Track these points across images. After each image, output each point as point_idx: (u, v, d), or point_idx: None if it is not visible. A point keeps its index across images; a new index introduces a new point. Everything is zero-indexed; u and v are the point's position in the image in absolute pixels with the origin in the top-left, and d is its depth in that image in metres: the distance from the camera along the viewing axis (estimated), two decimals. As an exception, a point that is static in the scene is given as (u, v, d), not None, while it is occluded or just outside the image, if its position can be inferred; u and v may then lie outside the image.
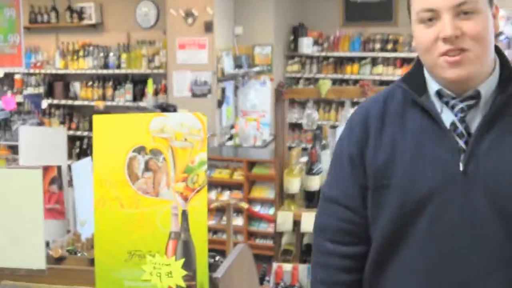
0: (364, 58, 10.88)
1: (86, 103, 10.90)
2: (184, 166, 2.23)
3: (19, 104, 8.69)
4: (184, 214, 2.18)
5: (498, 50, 1.95)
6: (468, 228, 1.83)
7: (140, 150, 2.27)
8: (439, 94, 1.92)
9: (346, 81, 10.72)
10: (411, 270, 1.92)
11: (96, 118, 2.37)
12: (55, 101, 11.07)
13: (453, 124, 1.87)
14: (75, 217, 3.63)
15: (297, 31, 11.39)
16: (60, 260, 2.68)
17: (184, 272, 2.18)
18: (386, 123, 2.00)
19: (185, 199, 2.21)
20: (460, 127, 1.86)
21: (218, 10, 10.03)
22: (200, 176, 2.20)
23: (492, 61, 1.90)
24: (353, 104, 6.08)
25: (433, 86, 1.94)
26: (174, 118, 2.30)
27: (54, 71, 11.19)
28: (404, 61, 10.52)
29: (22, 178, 2.58)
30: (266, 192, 8.26)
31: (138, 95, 10.60)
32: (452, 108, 1.88)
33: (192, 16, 9.96)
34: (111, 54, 10.81)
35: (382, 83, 9.96)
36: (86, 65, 10.91)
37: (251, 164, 8.61)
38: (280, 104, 5.00)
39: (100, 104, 10.68)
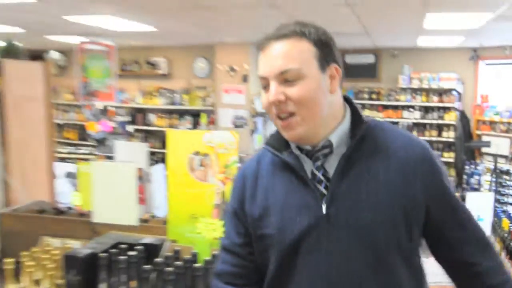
0: None
1: (158, 129, 11.03)
2: (223, 163, 2.50)
3: (113, 128, 8.97)
4: (223, 193, 2.46)
5: (348, 100, 1.71)
6: (336, 266, 1.54)
7: (196, 153, 2.54)
8: (299, 148, 1.64)
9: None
10: None
11: (169, 132, 2.72)
12: (137, 127, 11.19)
13: (312, 172, 1.61)
14: (151, 203, 3.88)
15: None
16: (145, 221, 2.94)
17: (222, 229, 2.36)
18: (259, 180, 1.70)
19: (224, 183, 2.48)
20: (318, 174, 1.59)
21: (252, 66, 10.16)
22: (233, 170, 2.47)
23: (336, 113, 1.62)
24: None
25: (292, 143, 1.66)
26: (218, 134, 2.56)
27: (136, 106, 11.33)
28: (384, 107, 10.41)
29: (124, 169, 2.85)
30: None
31: (195, 124, 10.70)
32: (310, 157, 1.62)
33: (234, 70, 10.13)
34: (176, 95, 10.97)
35: None
36: (158, 102, 11.08)
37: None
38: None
39: (168, 130, 10.87)
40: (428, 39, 8.82)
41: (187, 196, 2.59)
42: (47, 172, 3.64)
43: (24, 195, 3.27)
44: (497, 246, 5.04)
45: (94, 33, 8.01)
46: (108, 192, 2.84)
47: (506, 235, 4.77)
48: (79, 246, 2.49)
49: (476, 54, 9.97)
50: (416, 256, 1.65)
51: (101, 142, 8.70)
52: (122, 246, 2.37)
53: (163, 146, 10.87)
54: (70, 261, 2.31)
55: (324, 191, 1.58)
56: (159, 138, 10.89)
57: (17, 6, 5.79)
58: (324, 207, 1.55)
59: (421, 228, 1.61)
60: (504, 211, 5.39)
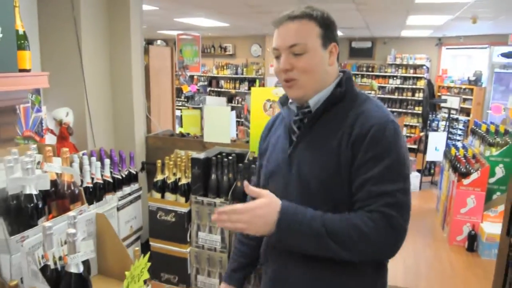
0: (356, 74, 10.56)
1: (226, 90, 11.15)
2: (283, 107, 2.67)
3: (197, 89, 9.22)
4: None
5: (345, 73, 1.37)
6: (286, 194, 1.27)
7: (268, 100, 2.63)
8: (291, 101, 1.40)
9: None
10: None
11: (253, 89, 2.74)
12: (212, 88, 11.29)
13: (295, 121, 1.36)
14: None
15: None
16: (234, 141, 3.06)
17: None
18: (273, 127, 1.51)
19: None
20: (293, 127, 1.36)
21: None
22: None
23: (328, 81, 1.32)
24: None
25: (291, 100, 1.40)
26: (281, 89, 2.41)
27: (212, 75, 11.39)
28: (376, 76, 10.29)
29: (223, 110, 2.97)
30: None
31: (250, 87, 10.77)
32: (297, 111, 1.38)
33: (277, 51, 10.32)
34: (239, 68, 11.02)
35: (365, 86, 9.95)
36: (227, 72, 11.14)
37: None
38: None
39: (233, 91, 10.95)
40: (408, 32, 8.75)
41: (262, 125, 2.61)
42: (170, 113, 3.90)
43: (158, 126, 3.58)
44: (446, 166, 5.26)
45: (188, 28, 8.23)
46: (213, 123, 2.97)
47: (453, 158, 4.99)
48: (196, 155, 2.62)
49: (440, 42, 9.87)
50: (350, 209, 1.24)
51: (190, 98, 9.03)
52: (223, 154, 2.57)
53: (229, 101, 11.14)
54: (194, 161, 2.52)
55: (294, 139, 1.35)
56: (227, 96, 11.02)
57: (148, 12, 6.04)
58: (289, 151, 1.34)
59: (346, 183, 1.24)
60: (453, 144, 5.59)
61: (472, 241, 4.28)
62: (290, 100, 1.41)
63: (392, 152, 1.20)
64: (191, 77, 10.39)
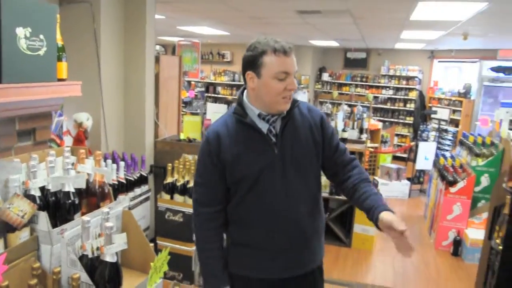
0: (351, 84, 10.73)
1: (222, 96, 11.18)
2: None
3: (195, 95, 9.34)
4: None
5: None
6: (285, 187, 1.63)
7: None
8: (259, 115, 1.63)
9: (343, 94, 10.71)
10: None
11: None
12: (209, 94, 11.31)
13: (268, 130, 1.62)
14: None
15: (321, 70, 11.23)
16: None
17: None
18: (231, 137, 1.63)
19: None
20: (273, 130, 1.63)
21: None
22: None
23: None
24: (345, 104, 6.56)
25: (254, 111, 1.63)
26: None
27: (209, 81, 11.44)
28: (370, 86, 10.48)
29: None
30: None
31: None
32: (267, 121, 1.63)
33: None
34: (236, 75, 11.12)
35: (359, 96, 10.21)
36: (224, 79, 11.21)
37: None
38: (317, 100, 5.55)
39: (229, 97, 10.98)
40: (402, 44, 8.97)
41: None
42: (176, 119, 4.06)
43: (165, 131, 3.73)
44: (435, 174, 5.48)
45: (189, 35, 8.39)
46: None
47: (441, 167, 5.21)
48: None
49: (432, 55, 10.12)
50: (319, 173, 1.78)
51: (188, 103, 9.16)
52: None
53: (227, 106, 11.25)
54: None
55: (274, 140, 1.63)
56: (223, 102, 11.13)
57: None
58: (276, 150, 1.63)
59: (320, 156, 1.73)
60: (442, 154, 5.82)
61: (457, 246, 4.52)
62: (257, 113, 1.65)
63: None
64: (189, 82, 10.54)
